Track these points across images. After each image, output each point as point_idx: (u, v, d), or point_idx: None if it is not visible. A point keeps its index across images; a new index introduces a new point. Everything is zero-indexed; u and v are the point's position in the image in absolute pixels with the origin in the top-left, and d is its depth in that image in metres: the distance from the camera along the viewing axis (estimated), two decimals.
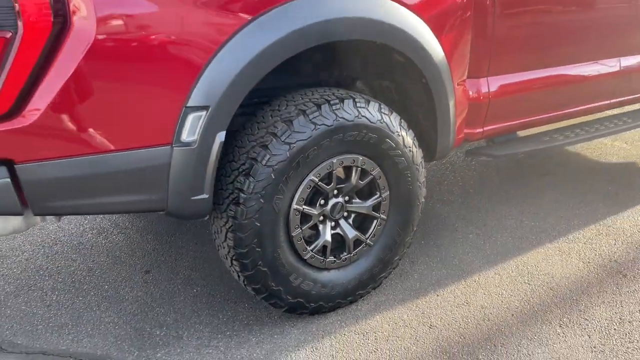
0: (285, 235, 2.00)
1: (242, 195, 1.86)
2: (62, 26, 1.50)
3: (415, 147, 2.20)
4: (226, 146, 1.86)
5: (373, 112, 2.03)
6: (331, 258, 2.15)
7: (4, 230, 1.73)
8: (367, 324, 2.19)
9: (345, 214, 2.16)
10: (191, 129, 1.71)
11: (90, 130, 1.61)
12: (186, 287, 2.45)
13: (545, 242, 2.76)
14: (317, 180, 1.99)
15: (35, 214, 1.67)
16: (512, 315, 2.24)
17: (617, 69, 2.89)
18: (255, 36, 1.73)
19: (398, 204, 2.23)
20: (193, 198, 1.80)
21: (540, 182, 3.46)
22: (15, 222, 1.73)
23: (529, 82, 2.60)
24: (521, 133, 2.89)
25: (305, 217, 2.04)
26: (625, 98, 3.07)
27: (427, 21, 2.08)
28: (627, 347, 2.05)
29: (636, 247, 2.70)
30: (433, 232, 2.86)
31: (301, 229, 2.03)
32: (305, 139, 1.89)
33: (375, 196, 2.17)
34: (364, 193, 2.18)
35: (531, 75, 2.60)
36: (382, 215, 2.21)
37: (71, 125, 1.58)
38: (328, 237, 2.12)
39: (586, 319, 2.21)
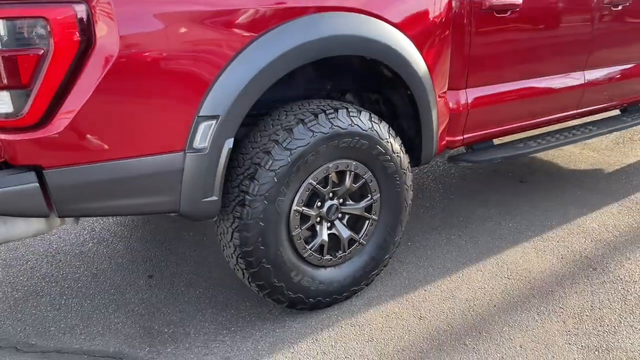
0: (286, 234, 2.17)
1: (248, 197, 2.03)
2: (87, 44, 1.66)
3: (403, 152, 2.39)
4: (230, 154, 2.01)
5: (364, 121, 2.22)
6: (328, 256, 2.32)
7: (27, 232, 1.85)
8: (362, 317, 2.36)
9: (340, 215, 2.34)
10: (203, 136, 1.87)
11: (111, 138, 1.77)
12: (189, 289, 2.58)
13: (522, 241, 2.98)
14: (314, 183, 2.17)
15: (60, 216, 1.81)
16: (495, 306, 2.44)
17: (582, 81, 3.17)
18: (259, 53, 1.91)
19: (388, 206, 2.42)
20: (204, 200, 1.95)
21: (516, 187, 3.71)
22: (37, 224, 1.85)
23: (504, 93, 2.83)
24: (497, 141, 3.12)
25: (304, 218, 2.21)
26: (590, 108, 3.34)
27: (412, 38, 2.29)
28: (598, 331, 2.26)
29: (604, 244, 2.93)
30: (419, 235, 3.06)
31: (300, 229, 2.20)
32: (304, 145, 2.07)
33: (367, 198, 2.36)
34: (357, 195, 2.36)
35: (505, 88, 2.83)
36: (373, 216, 2.39)
37: (94, 134, 1.74)
38: (325, 237, 2.30)
39: (561, 307, 2.41)
